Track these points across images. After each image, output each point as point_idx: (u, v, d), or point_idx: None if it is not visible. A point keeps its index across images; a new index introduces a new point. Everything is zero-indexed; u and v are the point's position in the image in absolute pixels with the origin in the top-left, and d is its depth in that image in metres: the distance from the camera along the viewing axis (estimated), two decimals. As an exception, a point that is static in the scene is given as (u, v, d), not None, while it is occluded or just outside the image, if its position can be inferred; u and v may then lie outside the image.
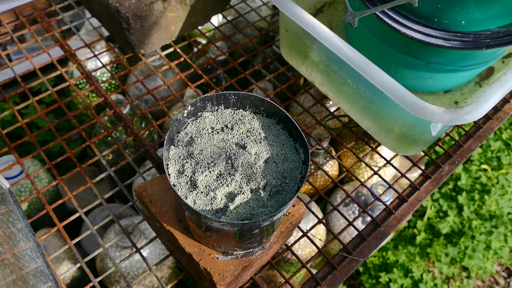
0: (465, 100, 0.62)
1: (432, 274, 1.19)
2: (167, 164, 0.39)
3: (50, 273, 0.50)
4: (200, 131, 0.41)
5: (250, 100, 0.42)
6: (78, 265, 0.51)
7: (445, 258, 1.09)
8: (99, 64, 0.88)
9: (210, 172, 0.38)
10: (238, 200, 0.37)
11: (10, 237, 0.41)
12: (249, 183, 0.38)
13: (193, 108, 0.41)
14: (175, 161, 0.39)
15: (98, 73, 0.87)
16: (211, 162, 0.39)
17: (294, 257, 0.71)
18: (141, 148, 0.61)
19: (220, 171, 0.39)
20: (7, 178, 0.74)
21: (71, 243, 0.53)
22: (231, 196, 0.38)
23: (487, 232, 1.10)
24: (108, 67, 0.88)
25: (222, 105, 0.43)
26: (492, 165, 1.15)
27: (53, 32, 0.72)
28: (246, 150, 0.40)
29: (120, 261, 0.53)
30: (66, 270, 0.51)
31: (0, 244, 0.35)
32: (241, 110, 0.43)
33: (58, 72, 0.68)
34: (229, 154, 0.40)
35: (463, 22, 0.51)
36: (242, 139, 0.41)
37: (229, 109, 0.43)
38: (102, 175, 0.59)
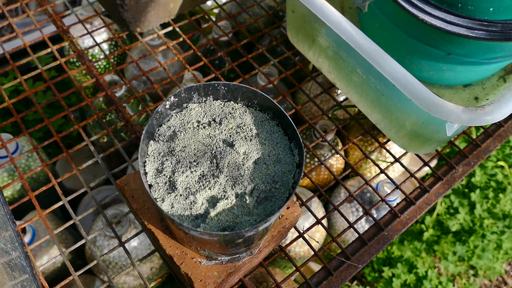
0: (486, 96, 0.56)
1: (438, 271, 1.15)
2: (144, 162, 0.35)
3: (28, 265, 0.47)
4: (184, 125, 0.37)
5: (241, 92, 0.38)
6: (59, 256, 0.49)
7: (453, 256, 1.05)
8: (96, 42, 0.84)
9: (191, 172, 0.34)
10: (221, 206, 0.33)
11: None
12: (235, 186, 0.34)
13: (177, 99, 0.37)
14: (154, 158, 0.35)
15: (96, 51, 0.83)
16: (194, 161, 0.35)
17: (292, 253, 0.68)
18: (132, 135, 0.58)
19: (203, 171, 0.35)
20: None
21: (52, 233, 0.50)
22: (213, 201, 0.34)
23: (499, 231, 1.05)
24: (106, 45, 0.84)
25: (211, 96, 0.38)
26: (509, 162, 1.08)
27: (46, 7, 0.68)
28: (234, 148, 0.36)
29: (104, 254, 0.50)
30: (46, 262, 0.48)
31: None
32: (232, 102, 0.39)
33: (49, 50, 0.64)
34: (214, 152, 0.36)
35: (491, 9, 0.45)
36: (230, 136, 0.37)
37: (219, 100, 0.39)
38: (89, 162, 0.55)
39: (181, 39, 0.66)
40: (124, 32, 0.66)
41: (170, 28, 0.68)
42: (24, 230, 0.63)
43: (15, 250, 0.46)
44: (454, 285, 1.14)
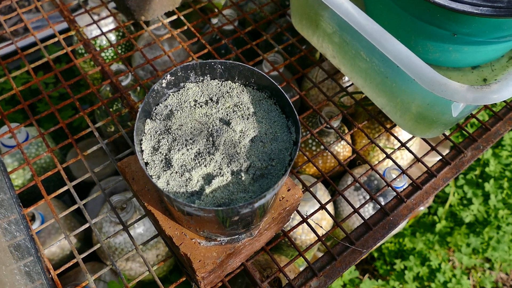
0: (495, 77, 0.55)
1: (452, 264, 1.13)
2: (141, 140, 0.35)
3: (32, 247, 0.48)
4: (181, 104, 0.37)
5: (238, 71, 0.37)
6: (63, 239, 0.49)
7: (467, 248, 1.03)
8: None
9: (187, 150, 0.34)
10: (216, 182, 0.33)
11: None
12: (230, 164, 0.34)
13: (173, 78, 0.37)
14: (151, 136, 0.35)
15: (104, 41, 0.84)
16: (190, 139, 0.35)
17: (298, 241, 0.67)
18: (136, 121, 0.58)
19: (199, 149, 0.35)
20: (8, 146, 0.73)
21: (57, 217, 0.50)
22: (208, 178, 0.34)
23: (515, 223, 1.02)
24: (113, 35, 0.84)
25: (208, 75, 0.38)
26: (525, 152, 1.05)
27: (53, -3, 0.69)
28: (231, 126, 0.36)
29: (107, 238, 0.50)
30: (52, 244, 0.48)
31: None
32: (229, 81, 0.38)
33: (56, 39, 0.65)
34: (211, 130, 0.35)
35: (496, -15, 0.44)
36: (227, 114, 0.37)
37: (216, 80, 0.38)
38: (94, 148, 0.56)
39: (185, 28, 0.67)
40: (130, 21, 0.67)
41: (175, 17, 0.68)
42: (33, 218, 0.64)
43: (20, 232, 0.47)
44: (468, 278, 1.12)
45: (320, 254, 0.82)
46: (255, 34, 0.87)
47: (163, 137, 0.35)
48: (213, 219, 0.34)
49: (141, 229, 0.63)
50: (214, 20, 0.89)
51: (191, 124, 0.36)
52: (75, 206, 0.52)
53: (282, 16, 0.82)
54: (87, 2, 0.78)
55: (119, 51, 0.86)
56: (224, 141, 0.35)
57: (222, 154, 0.34)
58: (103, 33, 0.65)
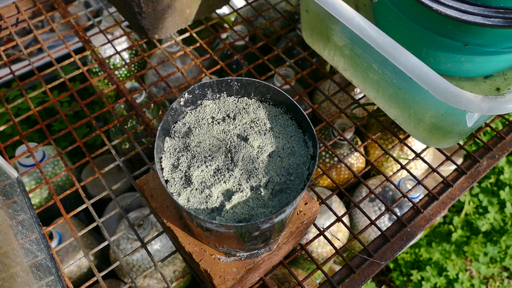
0: (508, 86, 0.55)
1: (470, 273, 1.11)
2: (161, 158, 0.36)
3: (53, 266, 0.48)
4: (199, 121, 0.38)
5: (254, 87, 0.38)
6: (83, 257, 0.50)
7: (484, 257, 1.01)
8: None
9: (207, 166, 0.35)
10: (236, 198, 0.33)
11: (5, 231, 0.39)
12: (250, 179, 0.34)
13: (191, 96, 0.37)
14: (170, 154, 0.36)
15: (118, 59, 0.85)
16: (209, 155, 0.35)
17: (315, 254, 0.67)
18: (152, 138, 0.59)
19: (218, 165, 0.35)
20: (27, 166, 0.74)
21: (76, 235, 0.51)
22: (228, 194, 0.34)
23: (532, 231, 1.01)
24: (126, 54, 0.86)
25: (225, 92, 0.39)
26: (540, 158, 1.04)
27: (69, 18, 0.71)
28: (248, 142, 0.36)
29: (125, 256, 0.50)
30: (71, 263, 0.49)
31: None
32: (245, 98, 0.39)
33: (72, 59, 0.66)
34: (229, 147, 0.36)
35: (507, -4, 0.44)
36: (244, 130, 0.37)
37: (233, 96, 0.39)
38: (111, 165, 0.57)
39: (197, 44, 0.68)
40: (143, 40, 0.68)
41: (187, 34, 0.69)
42: (51, 236, 0.65)
43: (41, 252, 0.48)
44: (487, 288, 1.10)
45: (335, 267, 0.82)
46: (265, 49, 0.88)
47: (182, 155, 0.36)
48: (233, 234, 0.34)
49: (158, 245, 0.63)
50: (223, 35, 0.91)
51: (209, 141, 0.37)
52: (94, 224, 0.52)
53: (292, 31, 0.83)
54: (101, 21, 0.80)
55: (133, 69, 0.88)
56: (243, 157, 0.35)
57: (241, 170, 0.35)
58: (117, 52, 0.67)
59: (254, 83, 0.38)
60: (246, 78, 0.37)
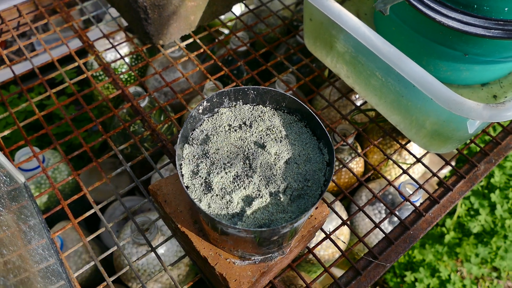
0: (504, 94, 0.57)
1: (461, 274, 1.14)
2: (181, 164, 0.36)
3: (63, 271, 0.48)
4: (216, 129, 0.39)
5: (270, 96, 0.39)
6: (92, 263, 0.50)
7: (475, 258, 1.04)
8: (118, 56, 0.86)
9: (226, 173, 0.36)
10: (256, 204, 0.35)
11: (20, 236, 0.40)
12: (268, 185, 0.35)
13: (209, 104, 0.38)
14: (189, 160, 0.37)
15: (118, 64, 0.85)
16: (228, 162, 0.36)
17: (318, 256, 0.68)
18: (158, 143, 0.59)
19: (237, 172, 0.36)
20: (27, 170, 0.74)
21: (85, 240, 0.51)
22: (248, 200, 0.35)
23: (521, 232, 1.04)
24: (128, 58, 0.86)
25: (241, 100, 0.40)
26: (528, 162, 1.08)
27: (72, 23, 0.71)
28: (266, 149, 0.37)
29: (135, 260, 0.51)
30: (80, 268, 0.49)
31: (4, 246, 0.33)
32: (260, 106, 0.40)
33: (76, 64, 0.66)
34: (247, 153, 0.37)
35: (506, 9, 0.46)
36: (261, 138, 0.38)
37: (248, 104, 0.40)
38: (118, 170, 0.57)
39: (201, 50, 0.69)
40: (147, 45, 0.69)
41: (190, 40, 0.70)
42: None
43: (51, 257, 0.48)
44: (477, 288, 1.13)
45: (336, 270, 0.83)
46: (264, 55, 0.90)
47: (201, 161, 0.37)
48: (251, 239, 0.35)
49: (163, 249, 0.64)
50: (221, 37, 0.92)
51: (227, 148, 0.38)
52: (102, 229, 0.53)
53: (292, 37, 0.85)
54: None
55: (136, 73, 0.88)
56: (261, 163, 0.37)
57: (260, 176, 0.36)
58: (122, 57, 0.67)
59: (270, 92, 0.39)
60: (263, 87, 0.38)
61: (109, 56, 0.85)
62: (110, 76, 0.65)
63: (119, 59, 0.67)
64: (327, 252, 0.67)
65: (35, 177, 0.57)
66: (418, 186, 0.58)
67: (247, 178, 0.36)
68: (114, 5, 0.71)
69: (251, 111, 0.40)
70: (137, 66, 0.66)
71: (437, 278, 1.05)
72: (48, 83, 0.96)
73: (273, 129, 0.39)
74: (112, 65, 0.85)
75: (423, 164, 0.59)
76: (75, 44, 0.93)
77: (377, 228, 0.59)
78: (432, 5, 0.48)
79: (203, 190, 0.35)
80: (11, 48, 0.68)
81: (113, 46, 0.68)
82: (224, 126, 0.39)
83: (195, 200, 0.35)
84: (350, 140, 0.69)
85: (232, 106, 0.40)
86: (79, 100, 0.62)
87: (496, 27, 0.46)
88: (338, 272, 0.86)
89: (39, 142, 0.94)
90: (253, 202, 0.35)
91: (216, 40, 0.70)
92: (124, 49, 0.85)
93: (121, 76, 0.85)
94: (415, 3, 0.48)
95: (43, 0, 0.75)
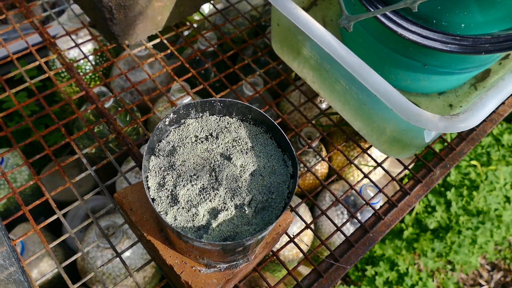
0: (460, 102, 0.60)
1: (418, 267, 1.20)
2: (147, 176, 0.37)
3: (25, 280, 0.47)
4: (183, 140, 0.39)
5: (236, 108, 0.40)
6: (56, 270, 0.49)
7: (431, 252, 1.10)
8: (82, 54, 0.84)
9: (192, 185, 0.36)
10: (222, 217, 0.35)
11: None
12: (234, 198, 0.36)
13: (175, 116, 0.38)
14: (155, 172, 0.37)
15: (82, 61, 0.83)
16: (194, 174, 0.37)
17: (281, 257, 0.70)
18: (124, 147, 0.59)
19: (203, 184, 0.37)
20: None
21: (48, 248, 0.50)
22: (214, 213, 0.36)
23: (473, 227, 1.10)
24: (92, 57, 0.84)
25: (207, 111, 0.40)
26: (481, 161, 1.14)
27: (32, 19, 0.68)
28: (232, 161, 0.38)
29: (100, 266, 0.51)
30: (43, 276, 0.48)
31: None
32: (227, 117, 0.41)
33: (37, 63, 0.64)
34: (213, 165, 0.38)
35: (462, 25, 0.49)
36: (227, 149, 0.39)
37: (215, 115, 0.41)
38: (83, 175, 0.56)
39: (168, 51, 0.68)
40: (112, 45, 0.67)
41: (157, 40, 0.69)
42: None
43: (12, 265, 0.47)
44: (433, 280, 1.19)
45: (301, 268, 0.85)
46: (233, 55, 0.90)
47: (167, 173, 0.37)
48: (217, 250, 0.36)
49: (129, 252, 0.63)
50: (185, 33, 0.91)
51: (193, 159, 0.38)
52: (66, 235, 0.52)
53: (259, 39, 0.85)
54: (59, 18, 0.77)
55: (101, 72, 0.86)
56: (226, 175, 0.37)
57: (225, 188, 0.37)
58: (86, 57, 0.66)
59: (237, 104, 0.39)
60: (229, 99, 0.39)
61: (72, 53, 0.82)
62: (74, 77, 0.64)
63: (83, 58, 0.65)
64: (291, 252, 0.69)
65: (-7, 181, 0.55)
66: (378, 190, 0.60)
67: (213, 191, 0.36)
68: (77, 2, 0.69)
69: (217, 122, 0.40)
70: (102, 66, 0.65)
71: (396, 272, 1.09)
72: (7, 79, 0.92)
73: (239, 141, 0.39)
74: (75, 63, 0.82)
75: (383, 169, 0.61)
76: (36, 39, 0.89)
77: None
78: (394, 18, 0.50)
79: (169, 202, 0.36)
80: (-34, 44, 0.65)
81: (77, 45, 0.67)
82: (191, 138, 0.39)
83: (161, 214, 0.35)
84: (315, 144, 0.70)
85: (198, 117, 0.40)
86: (40, 100, 0.60)
87: (453, 42, 0.49)
88: (303, 270, 0.89)
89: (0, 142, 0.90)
90: (219, 215, 0.35)
91: (183, 41, 0.70)
92: (88, 46, 0.82)
93: (87, 76, 0.83)
94: (378, 16, 0.50)
95: (1, -7, 0.72)
